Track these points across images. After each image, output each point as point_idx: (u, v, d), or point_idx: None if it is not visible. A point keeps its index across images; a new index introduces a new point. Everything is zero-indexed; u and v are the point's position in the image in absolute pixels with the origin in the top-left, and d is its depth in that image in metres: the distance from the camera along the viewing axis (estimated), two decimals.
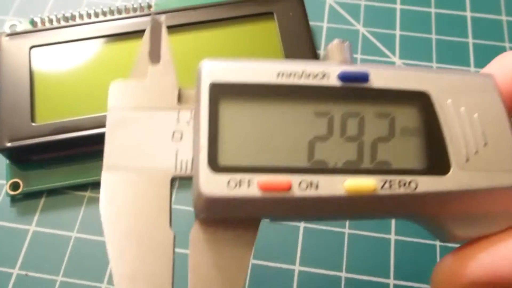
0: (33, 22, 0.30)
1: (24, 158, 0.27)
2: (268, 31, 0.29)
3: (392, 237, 0.26)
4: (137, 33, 0.29)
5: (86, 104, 0.27)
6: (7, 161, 0.28)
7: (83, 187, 0.28)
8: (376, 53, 0.31)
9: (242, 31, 0.29)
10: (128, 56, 0.28)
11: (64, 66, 0.28)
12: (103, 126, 0.26)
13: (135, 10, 0.31)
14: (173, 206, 0.17)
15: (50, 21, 0.30)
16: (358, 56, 0.31)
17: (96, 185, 0.28)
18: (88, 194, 0.28)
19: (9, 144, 0.26)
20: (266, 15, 0.29)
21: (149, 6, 0.31)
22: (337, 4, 0.33)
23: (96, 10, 0.30)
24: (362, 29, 0.32)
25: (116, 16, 0.30)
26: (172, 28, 0.29)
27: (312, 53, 0.28)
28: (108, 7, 0.30)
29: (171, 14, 0.29)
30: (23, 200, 0.28)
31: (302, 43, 0.28)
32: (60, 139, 0.27)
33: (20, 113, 0.27)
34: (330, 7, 0.33)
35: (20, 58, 0.28)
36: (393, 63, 0.31)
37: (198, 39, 0.29)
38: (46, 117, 0.27)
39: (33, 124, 0.27)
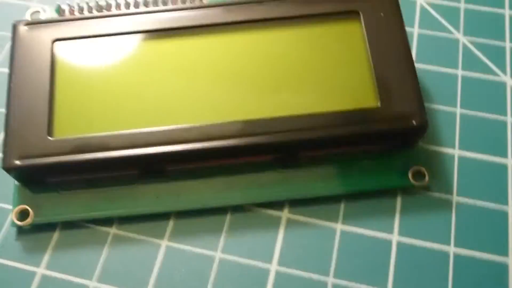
0: (59, 10, 0.25)
1: (37, 180, 0.22)
2: (351, 33, 0.23)
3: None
4: (187, 30, 0.23)
5: (117, 118, 0.22)
6: (16, 182, 0.22)
7: (107, 221, 0.22)
8: (482, 69, 0.25)
9: (319, 32, 0.23)
10: (174, 58, 0.22)
11: (93, 66, 0.23)
12: (137, 146, 0.21)
13: (184, 1, 0.25)
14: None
15: (80, 9, 0.24)
16: (459, 72, 0.25)
17: (124, 220, 0.22)
18: (113, 230, 0.22)
19: (18, 162, 0.21)
20: (349, 14, 0.23)
21: None
22: (430, 6, 0.27)
23: (137, 0, 0.24)
24: (462, 38, 0.26)
25: (161, 7, 0.24)
26: (230, 25, 0.23)
27: (409, 64, 0.22)
28: None
29: (229, 8, 0.23)
30: (32, 232, 0.22)
31: (396, 51, 0.22)
32: (83, 159, 0.21)
33: (35, 124, 0.21)
34: (421, 9, 0.27)
35: (40, 53, 0.22)
36: (503, 83, 0.24)
37: (264, 39, 0.23)
38: (67, 130, 0.21)
39: (50, 138, 0.21)
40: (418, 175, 0.22)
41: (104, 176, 0.22)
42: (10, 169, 0.21)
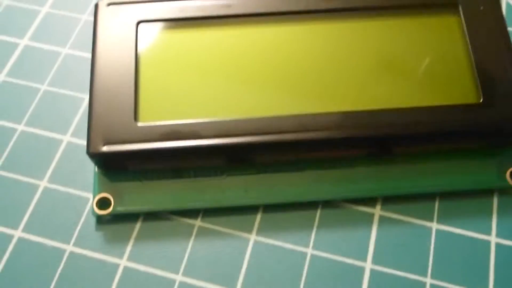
0: None
1: (120, 167, 0.21)
2: (450, 26, 0.22)
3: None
4: (274, 16, 0.22)
5: (205, 105, 0.21)
6: (97, 169, 0.21)
7: (193, 212, 0.21)
8: None
9: (417, 23, 0.22)
10: (262, 45, 0.21)
11: (179, 50, 0.22)
12: (226, 135, 0.20)
13: None
14: None
15: None
16: None
17: (210, 212, 0.21)
18: (198, 222, 0.21)
19: (105, 148, 0.20)
20: (447, 7, 0.22)
21: None
22: None
23: None
24: None
25: None
26: (319, 13, 0.22)
27: (511, 59, 0.21)
28: None
29: None
30: (113, 223, 0.21)
31: (497, 46, 0.21)
32: (171, 147, 0.20)
33: (120, 109, 0.20)
34: (507, 5, 0.26)
35: (123, 35, 0.22)
36: None
37: (362, 29, 0.22)
38: (154, 116, 0.20)
39: (137, 124, 0.20)
40: None
41: (190, 166, 0.21)
42: (95, 155, 0.20)
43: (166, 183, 0.21)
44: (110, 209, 0.20)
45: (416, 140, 0.21)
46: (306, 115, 0.20)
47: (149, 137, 0.20)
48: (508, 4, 0.26)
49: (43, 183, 0.21)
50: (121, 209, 0.20)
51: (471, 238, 0.20)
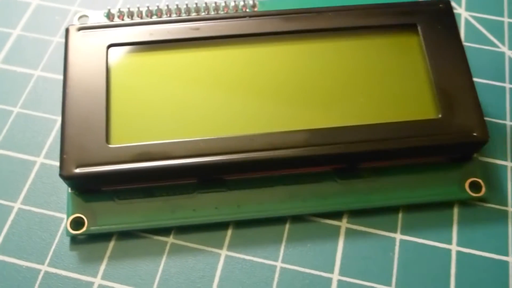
0: (109, 15, 0.24)
1: (93, 188, 0.21)
2: (409, 45, 0.23)
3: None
4: (241, 38, 0.23)
5: (175, 125, 0.21)
6: (70, 190, 0.21)
7: (165, 230, 0.21)
8: None
9: (377, 43, 0.23)
10: (229, 66, 0.22)
11: (149, 73, 0.22)
12: (196, 155, 0.21)
13: (235, 8, 0.24)
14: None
15: (130, 14, 0.24)
16: (507, 85, 0.25)
17: (182, 230, 0.21)
18: (171, 240, 0.21)
19: (77, 171, 0.20)
20: (407, 27, 0.23)
21: (254, 5, 0.25)
22: (474, 19, 0.27)
23: (189, 5, 0.24)
24: (508, 52, 0.26)
25: (214, 14, 0.24)
26: (284, 35, 0.23)
27: (467, 77, 0.22)
28: (204, 2, 0.24)
29: (283, 18, 0.23)
30: (87, 242, 0.21)
31: (454, 63, 0.22)
32: (143, 168, 0.20)
33: (92, 131, 0.21)
34: (466, 23, 0.27)
35: (94, 59, 0.22)
36: None
37: (324, 49, 0.23)
38: (125, 138, 0.21)
39: (108, 146, 0.21)
40: (475, 187, 0.22)
41: (162, 185, 0.21)
42: (68, 177, 0.20)
43: (138, 202, 0.21)
44: (84, 229, 0.21)
45: (380, 156, 0.21)
46: (273, 134, 0.21)
47: (121, 159, 0.20)
48: (466, 20, 0.27)
49: (17, 205, 0.22)
50: (94, 228, 0.21)
51: (433, 247, 0.21)
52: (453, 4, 0.27)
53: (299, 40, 0.23)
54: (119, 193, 0.21)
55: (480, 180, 0.22)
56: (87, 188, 0.21)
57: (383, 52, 0.23)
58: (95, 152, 0.20)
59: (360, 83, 0.22)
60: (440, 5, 0.23)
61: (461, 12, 0.27)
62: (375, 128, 0.21)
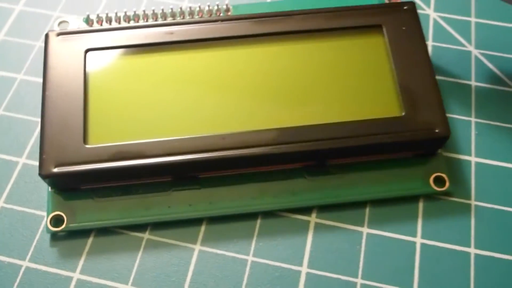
0: (88, 20, 0.25)
1: (72, 186, 0.22)
2: (374, 46, 0.24)
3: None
4: (216, 41, 0.24)
5: (150, 126, 0.22)
6: (50, 189, 0.22)
7: (141, 226, 0.22)
8: (493, 81, 0.26)
9: (344, 44, 0.24)
10: (203, 68, 0.23)
11: (125, 76, 0.23)
12: (170, 154, 0.22)
13: (210, 12, 0.25)
14: None
15: (109, 20, 0.25)
16: (472, 83, 0.26)
17: (157, 226, 0.22)
18: (147, 236, 0.22)
19: (56, 170, 0.21)
20: (373, 28, 0.24)
21: (227, 10, 0.26)
22: (442, 19, 0.28)
23: (165, 10, 0.25)
24: (474, 51, 0.27)
25: (188, 19, 0.25)
26: (255, 38, 0.24)
27: (430, 75, 0.23)
28: (179, 8, 0.25)
29: (255, 21, 0.24)
30: (66, 238, 0.22)
31: (418, 63, 0.23)
32: (119, 167, 0.21)
33: (70, 132, 0.22)
34: (435, 23, 0.28)
35: (72, 62, 0.23)
36: None
37: (292, 51, 0.24)
38: (102, 138, 0.22)
39: (86, 146, 0.22)
40: (439, 181, 0.23)
41: (138, 183, 0.22)
42: (47, 176, 0.21)
43: (116, 200, 0.22)
44: (63, 226, 0.22)
45: (347, 153, 0.22)
46: (244, 133, 0.22)
47: (98, 158, 0.21)
48: (435, 20, 0.28)
49: (0, 204, 0.23)
50: (73, 225, 0.22)
51: (399, 240, 0.22)
52: (422, 4, 0.28)
53: (269, 42, 0.24)
54: (97, 191, 0.22)
55: (444, 175, 0.23)
56: (66, 187, 0.22)
57: (350, 53, 0.24)
58: (73, 152, 0.21)
59: (328, 83, 0.23)
60: (405, 7, 0.24)
61: (430, 12, 0.28)
62: (342, 126, 0.22)
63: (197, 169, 0.22)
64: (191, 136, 0.22)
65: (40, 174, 0.21)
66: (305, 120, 0.22)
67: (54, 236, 0.22)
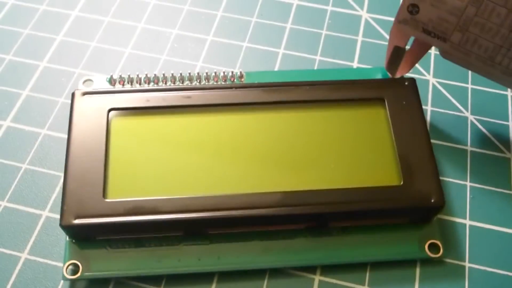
0: (111, 80, 0.27)
1: (89, 236, 0.24)
2: (377, 117, 0.25)
3: None
4: (230, 106, 0.26)
5: (165, 183, 0.24)
6: (67, 238, 0.24)
7: (153, 279, 0.24)
8: (488, 146, 0.28)
9: (348, 115, 0.26)
10: (216, 131, 0.25)
11: (144, 135, 0.25)
12: (183, 211, 0.23)
13: (224, 78, 0.27)
14: None
15: (130, 80, 0.27)
16: (468, 148, 0.28)
17: (171, 279, 0.24)
18: None
19: (76, 222, 0.23)
20: (375, 101, 0.26)
21: (241, 76, 0.28)
22: (441, 85, 0.30)
23: (183, 74, 0.27)
24: (470, 117, 0.29)
25: (204, 84, 0.27)
26: (265, 105, 0.26)
27: (428, 147, 0.25)
28: (196, 72, 0.27)
29: (265, 90, 0.26)
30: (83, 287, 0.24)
31: (416, 135, 0.25)
32: (134, 221, 0.23)
33: (91, 186, 0.23)
34: (433, 88, 0.30)
35: (96, 121, 0.25)
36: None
37: (300, 119, 0.25)
38: (120, 193, 0.23)
39: (105, 200, 0.23)
40: (434, 248, 0.24)
41: (151, 237, 0.24)
42: (67, 227, 0.23)
43: (128, 251, 0.24)
44: (79, 274, 0.23)
45: (348, 217, 0.24)
46: (252, 194, 0.23)
47: (115, 212, 0.23)
48: (433, 85, 0.30)
49: (24, 255, 0.24)
50: (88, 274, 0.23)
51: None
52: (422, 70, 0.30)
53: (278, 110, 0.25)
54: (111, 242, 0.24)
55: (438, 242, 0.24)
56: (83, 237, 0.24)
57: (353, 123, 0.25)
58: (93, 205, 0.23)
59: (332, 151, 0.25)
60: (406, 83, 0.26)
61: (429, 78, 0.30)
62: (343, 192, 0.24)
63: (207, 226, 0.24)
64: (202, 195, 0.23)
65: (60, 225, 0.23)
66: (308, 185, 0.24)
67: (72, 285, 0.23)
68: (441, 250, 0.24)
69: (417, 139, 0.25)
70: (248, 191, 0.23)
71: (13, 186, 0.26)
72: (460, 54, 0.25)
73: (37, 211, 0.25)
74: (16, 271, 0.24)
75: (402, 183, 0.24)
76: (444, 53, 0.25)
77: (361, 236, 0.24)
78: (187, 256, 0.24)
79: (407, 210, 0.24)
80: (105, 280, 0.24)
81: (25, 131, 0.28)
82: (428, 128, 0.28)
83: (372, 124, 0.25)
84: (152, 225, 0.23)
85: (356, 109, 0.26)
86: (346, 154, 0.25)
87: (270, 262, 0.24)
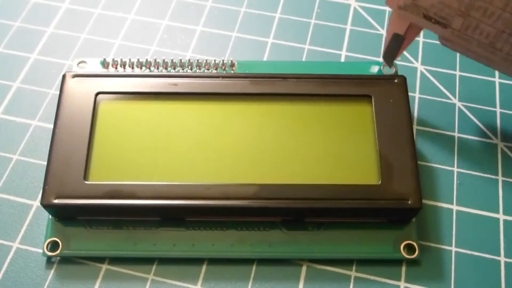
0: (104, 63, 0.27)
1: (69, 216, 0.24)
2: (362, 114, 0.25)
3: None
4: (216, 96, 0.26)
5: (146, 170, 0.24)
6: (50, 217, 0.25)
7: (131, 261, 0.24)
8: (476, 133, 0.28)
9: (333, 110, 0.25)
10: (202, 120, 0.25)
11: (130, 120, 0.25)
12: (160, 197, 0.23)
13: (216, 66, 0.27)
14: None
15: (123, 64, 0.27)
16: (455, 134, 0.27)
17: (146, 262, 0.24)
18: (151, 276, 0.24)
19: (56, 201, 0.23)
20: (361, 98, 0.25)
21: (232, 65, 0.28)
22: (429, 72, 0.29)
23: (174, 60, 0.27)
24: (458, 104, 0.28)
25: (192, 72, 0.27)
26: (251, 96, 0.26)
27: (410, 148, 0.24)
28: (188, 59, 0.27)
29: (252, 81, 0.26)
30: (61, 263, 0.24)
31: (400, 135, 0.24)
32: (112, 204, 0.23)
33: (72, 168, 0.24)
34: (421, 76, 0.29)
35: (83, 103, 0.25)
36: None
37: (283, 112, 0.25)
38: (100, 176, 0.24)
39: (85, 182, 0.24)
40: (410, 249, 0.24)
41: (129, 220, 0.24)
42: (47, 206, 0.23)
43: (107, 232, 0.24)
44: (58, 251, 0.24)
45: (323, 213, 0.24)
46: (230, 185, 0.24)
47: (94, 194, 0.23)
48: (422, 73, 0.29)
49: (16, 244, 0.25)
50: (67, 252, 0.24)
51: None
52: (410, 58, 0.30)
53: (262, 102, 0.25)
54: (91, 222, 0.24)
55: (414, 243, 0.24)
56: (63, 216, 0.24)
57: (337, 119, 0.25)
58: (73, 186, 0.24)
59: (313, 145, 0.25)
60: (395, 80, 0.26)
61: (417, 66, 0.30)
62: (321, 188, 0.24)
63: (183, 213, 0.24)
64: (180, 183, 0.24)
65: (41, 203, 0.23)
66: (286, 178, 0.24)
67: (49, 260, 0.24)
68: (417, 251, 0.24)
69: (400, 139, 0.24)
70: (227, 182, 0.24)
71: (4, 177, 0.26)
72: (460, 40, 0.24)
73: (28, 201, 0.26)
74: (8, 260, 0.24)
75: (380, 182, 0.24)
76: (443, 40, 0.24)
77: (337, 232, 0.24)
78: (163, 241, 0.24)
79: (383, 210, 0.24)
80: (83, 259, 0.24)
81: (16, 123, 0.28)
82: (415, 114, 0.27)
83: (356, 121, 0.25)
84: (129, 210, 0.24)
85: (342, 105, 0.25)
86: (327, 150, 0.25)
87: (242, 253, 0.24)
